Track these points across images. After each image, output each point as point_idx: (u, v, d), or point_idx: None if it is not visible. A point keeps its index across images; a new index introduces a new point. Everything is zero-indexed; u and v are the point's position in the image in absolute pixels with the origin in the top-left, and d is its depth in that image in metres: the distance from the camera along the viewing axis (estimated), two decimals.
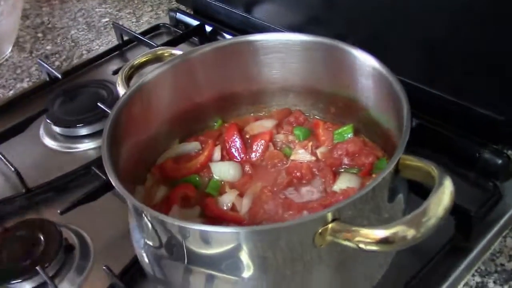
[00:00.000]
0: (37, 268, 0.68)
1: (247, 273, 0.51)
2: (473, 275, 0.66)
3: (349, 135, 0.69)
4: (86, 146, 0.93)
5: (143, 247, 0.59)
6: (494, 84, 0.74)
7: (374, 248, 0.46)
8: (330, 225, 0.47)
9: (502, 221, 0.70)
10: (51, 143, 0.95)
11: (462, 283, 0.65)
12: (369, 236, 0.45)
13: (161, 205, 0.66)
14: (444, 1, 0.72)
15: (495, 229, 0.69)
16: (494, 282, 0.65)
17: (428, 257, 0.65)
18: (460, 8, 0.71)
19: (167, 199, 0.67)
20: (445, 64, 0.78)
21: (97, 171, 0.81)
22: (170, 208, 0.65)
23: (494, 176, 0.73)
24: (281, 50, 0.70)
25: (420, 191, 0.64)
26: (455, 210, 0.64)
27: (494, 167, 0.73)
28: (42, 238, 0.72)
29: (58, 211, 0.75)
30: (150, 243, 0.57)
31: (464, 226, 0.66)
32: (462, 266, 0.65)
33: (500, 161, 0.73)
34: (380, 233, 0.45)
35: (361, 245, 0.46)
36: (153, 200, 0.67)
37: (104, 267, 0.67)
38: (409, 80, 0.80)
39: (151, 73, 0.67)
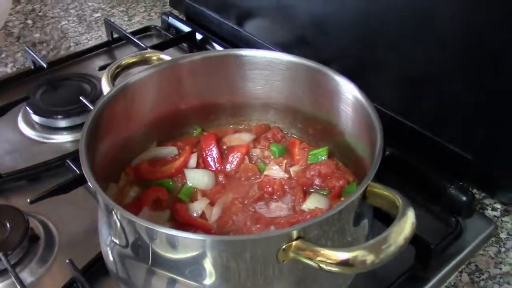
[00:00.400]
0: None
1: (208, 281, 0.52)
2: None
3: (323, 157, 0.71)
4: (63, 138, 0.93)
5: (109, 245, 0.59)
6: (467, 124, 0.77)
7: (334, 269, 0.47)
8: (294, 243, 0.48)
9: (460, 256, 0.72)
10: (29, 131, 0.94)
11: None
12: (331, 257, 0.47)
13: (132, 205, 0.67)
14: (423, 38, 0.75)
15: (453, 263, 0.71)
16: None
17: (386, 284, 0.67)
18: (439, 46, 0.74)
19: (138, 200, 0.67)
20: (422, 99, 0.81)
21: (71, 164, 0.82)
22: (141, 209, 0.65)
23: (457, 212, 0.76)
24: (266, 67, 0.72)
25: (385, 218, 0.66)
26: (416, 240, 0.67)
27: (458, 203, 0.75)
28: (8, 225, 0.72)
29: (28, 200, 0.74)
30: (117, 241, 0.57)
31: (424, 257, 0.68)
32: None
33: (464, 198, 0.75)
34: (342, 255, 0.46)
35: (322, 265, 0.47)
36: (124, 199, 0.68)
37: (67, 261, 0.67)
38: (387, 110, 0.82)
39: (137, 74, 0.68)
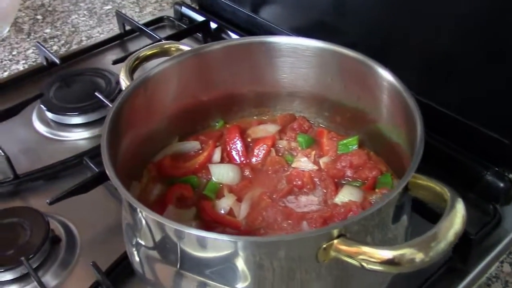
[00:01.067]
0: (21, 258, 0.66)
1: (241, 284, 0.49)
2: None
3: (354, 147, 0.68)
4: (80, 135, 0.91)
5: (134, 246, 0.57)
6: (503, 107, 0.74)
7: (377, 268, 0.44)
8: (335, 241, 0.45)
9: (500, 246, 0.69)
10: (44, 129, 0.92)
11: None
12: (374, 255, 0.44)
13: (156, 203, 0.64)
14: (457, 19, 0.71)
15: (493, 253, 0.68)
16: None
17: (424, 277, 0.64)
18: (473, 27, 0.70)
19: (162, 197, 0.65)
20: (454, 83, 0.77)
21: (90, 162, 0.79)
22: (165, 207, 0.63)
23: (494, 199, 0.72)
24: (291, 54, 0.69)
25: (421, 209, 0.63)
26: None
27: (495, 190, 0.72)
28: (28, 227, 0.70)
29: (47, 201, 0.72)
30: (143, 242, 0.55)
31: (463, 248, 0.65)
32: None
33: (502, 184, 0.72)
34: (386, 253, 0.44)
35: (364, 264, 0.45)
36: (148, 197, 0.65)
37: (91, 263, 0.65)
38: (417, 95, 0.79)
39: (157, 66, 0.66)
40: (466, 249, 0.65)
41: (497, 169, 0.73)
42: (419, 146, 0.50)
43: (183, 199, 0.65)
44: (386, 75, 0.61)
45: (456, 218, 0.44)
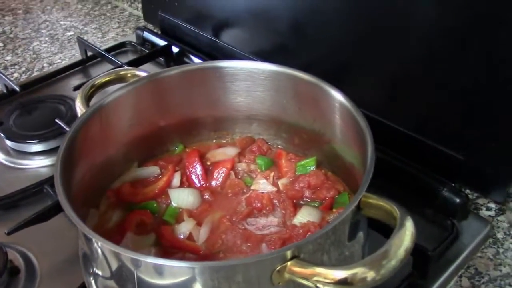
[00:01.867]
0: None
1: None
2: None
3: (311, 168, 0.69)
4: (40, 163, 0.89)
5: (91, 276, 0.56)
6: (456, 124, 0.76)
7: None
8: (289, 263, 0.46)
9: (458, 260, 0.70)
10: (3, 157, 0.90)
11: None
12: (328, 276, 0.44)
13: (115, 231, 0.63)
14: (407, 39, 0.73)
15: (452, 268, 0.69)
16: None
17: None
18: (424, 46, 0.72)
19: (121, 224, 0.64)
20: (408, 101, 0.79)
21: (50, 190, 0.78)
22: (124, 234, 0.62)
23: (452, 214, 0.74)
24: (247, 78, 0.69)
25: (379, 226, 0.64)
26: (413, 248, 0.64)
27: (452, 205, 0.73)
28: None
29: (5, 232, 0.71)
30: (100, 272, 0.54)
31: (422, 264, 0.66)
32: None
33: (458, 200, 0.73)
34: (339, 273, 0.44)
35: (320, 285, 0.45)
36: (107, 225, 0.64)
37: None
38: (373, 115, 0.80)
39: (112, 94, 0.65)
40: (425, 265, 0.66)
41: (453, 184, 0.75)
42: (369, 165, 0.51)
43: (143, 225, 0.64)
44: (337, 96, 0.62)
45: (406, 236, 0.45)
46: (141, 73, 0.71)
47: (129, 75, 0.72)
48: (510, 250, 0.73)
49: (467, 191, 0.79)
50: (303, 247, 0.47)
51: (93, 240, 0.50)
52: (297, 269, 0.45)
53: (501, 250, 0.73)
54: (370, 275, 0.43)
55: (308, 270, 0.45)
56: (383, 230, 0.64)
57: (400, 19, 0.73)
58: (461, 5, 0.67)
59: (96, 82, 0.70)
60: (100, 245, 0.50)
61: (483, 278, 0.70)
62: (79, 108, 0.67)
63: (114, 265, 0.51)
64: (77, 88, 0.98)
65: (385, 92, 0.82)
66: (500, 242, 0.74)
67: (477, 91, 0.70)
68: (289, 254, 0.46)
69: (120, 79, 0.72)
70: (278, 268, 0.46)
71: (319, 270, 0.45)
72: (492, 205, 0.79)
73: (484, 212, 0.78)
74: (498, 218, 0.77)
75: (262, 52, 0.98)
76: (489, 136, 0.73)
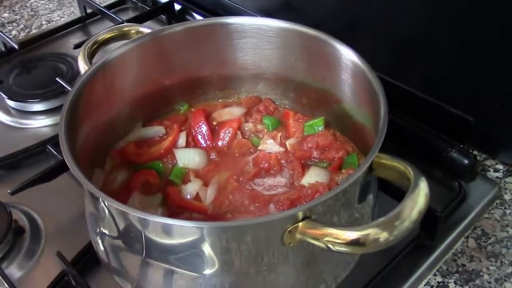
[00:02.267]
0: None
1: (208, 270, 0.49)
2: (435, 275, 0.66)
3: (320, 128, 0.68)
4: (42, 122, 0.88)
5: (99, 235, 0.56)
6: (467, 85, 0.74)
7: (344, 249, 0.44)
8: (300, 224, 0.45)
9: (465, 222, 0.69)
10: (4, 117, 0.89)
11: (424, 282, 0.65)
12: (340, 237, 0.44)
13: (120, 191, 0.63)
14: (421, 3, 0.71)
15: (459, 229, 0.69)
16: (455, 283, 0.65)
17: (393, 254, 0.64)
18: (436, 7, 0.70)
19: (127, 184, 0.64)
20: (418, 61, 0.77)
21: (53, 150, 0.77)
22: (130, 194, 0.62)
23: (460, 175, 0.73)
24: (254, 35, 0.67)
25: (388, 188, 0.63)
26: None
27: (460, 167, 0.73)
28: None
29: (9, 191, 0.70)
30: (107, 231, 0.53)
31: (429, 225, 0.66)
32: (425, 265, 0.65)
33: (466, 161, 0.72)
34: (352, 234, 0.43)
35: (330, 245, 0.45)
36: (112, 185, 0.64)
37: (55, 253, 0.63)
38: (382, 75, 0.78)
39: (116, 50, 0.64)
40: (433, 226, 0.66)
41: (462, 146, 0.74)
42: (382, 125, 0.50)
43: (149, 186, 0.64)
44: (349, 54, 0.60)
45: (419, 197, 0.44)
46: (144, 29, 0.69)
47: (132, 31, 0.70)
48: None
49: (475, 152, 0.78)
50: (315, 207, 0.46)
51: (100, 199, 0.49)
52: (309, 229, 0.45)
53: (508, 212, 0.73)
54: (383, 236, 0.43)
55: (320, 231, 0.44)
56: (393, 192, 0.64)
57: None
58: None
59: (99, 39, 0.68)
60: (108, 204, 0.49)
61: (489, 239, 0.69)
62: (82, 66, 0.65)
63: (122, 225, 0.50)
64: (77, 46, 0.96)
65: (394, 53, 0.80)
66: (507, 203, 0.74)
67: (486, 53, 0.68)
68: (300, 214, 0.45)
69: (123, 35, 0.70)
70: (289, 228, 0.45)
71: (331, 230, 0.44)
72: (500, 166, 0.78)
73: (491, 174, 0.77)
74: (506, 179, 0.77)
75: (267, 9, 0.96)
76: (498, 98, 0.72)
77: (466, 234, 0.70)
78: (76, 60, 0.93)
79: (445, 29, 0.72)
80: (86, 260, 0.64)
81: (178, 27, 0.67)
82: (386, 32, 0.79)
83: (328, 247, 0.45)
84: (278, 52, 0.68)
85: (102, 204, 0.50)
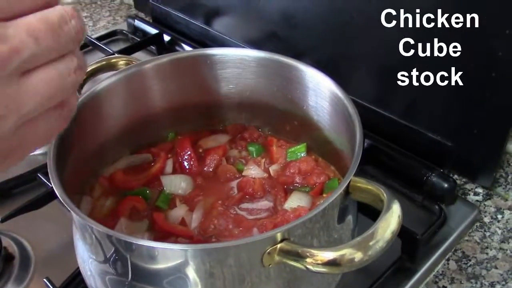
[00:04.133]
0: None
1: None
2: None
3: (302, 154, 0.70)
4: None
5: (86, 261, 0.57)
6: (445, 111, 0.77)
7: (321, 269, 0.46)
8: (279, 245, 0.47)
9: (446, 244, 0.71)
10: None
11: None
12: (317, 257, 0.45)
13: (108, 217, 0.64)
14: (399, 28, 0.74)
15: (440, 251, 0.71)
16: None
17: (375, 277, 0.66)
18: (414, 35, 0.73)
19: (115, 211, 0.65)
20: (397, 88, 0.80)
21: (43, 178, 0.79)
22: (118, 221, 0.63)
23: (440, 199, 0.75)
24: (238, 65, 0.70)
25: (369, 211, 0.65)
26: (401, 231, 0.64)
27: (440, 190, 0.75)
28: None
29: None
30: (94, 257, 0.55)
31: (410, 247, 0.68)
32: (407, 287, 0.66)
33: (446, 185, 0.75)
34: (328, 255, 0.45)
35: (309, 266, 0.46)
36: (100, 211, 0.65)
37: (44, 279, 0.64)
38: (363, 102, 0.81)
39: (103, 81, 0.66)
40: (414, 249, 0.67)
41: (441, 170, 0.76)
42: (357, 151, 0.52)
43: (136, 212, 0.65)
44: (326, 82, 0.62)
45: (392, 218, 0.46)
46: (132, 59, 0.72)
47: (120, 62, 0.72)
48: (497, 234, 0.74)
49: (455, 176, 0.80)
50: (293, 230, 0.48)
51: (87, 225, 0.50)
52: (286, 251, 0.46)
53: (487, 234, 0.75)
54: (358, 256, 0.44)
55: (297, 252, 0.46)
56: (374, 215, 0.66)
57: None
58: None
59: (88, 70, 0.70)
60: (94, 229, 0.50)
61: (470, 261, 0.71)
62: None
63: (108, 250, 0.52)
64: None
65: (374, 80, 0.83)
66: (487, 226, 0.76)
67: (464, 77, 0.71)
68: (279, 236, 0.47)
69: (111, 66, 0.72)
70: (268, 250, 0.47)
71: (308, 251, 0.46)
72: (479, 190, 0.80)
73: (471, 197, 0.80)
74: (485, 202, 0.79)
75: (253, 40, 0.99)
76: (477, 122, 0.74)
77: (447, 257, 0.72)
78: None
79: (424, 57, 0.74)
80: (75, 286, 0.65)
81: (164, 58, 0.69)
82: (368, 61, 0.82)
83: (307, 267, 0.46)
84: (260, 82, 0.70)
85: (89, 229, 0.52)
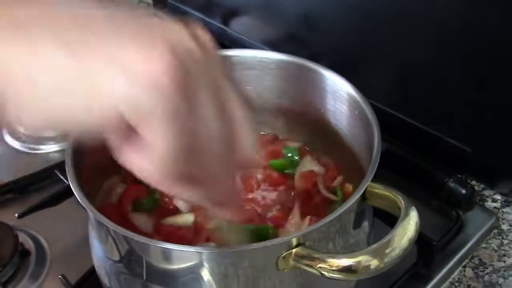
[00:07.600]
0: None
1: None
2: None
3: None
4: (52, 148, 0.90)
5: (101, 259, 0.57)
6: (465, 117, 0.76)
7: (337, 276, 0.45)
8: (294, 250, 0.46)
9: (463, 251, 0.70)
10: (15, 143, 0.91)
11: None
12: (332, 264, 0.45)
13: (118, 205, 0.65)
14: (420, 32, 0.73)
15: (456, 258, 0.70)
16: None
17: (390, 282, 0.65)
18: (436, 40, 0.72)
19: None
20: (417, 93, 0.79)
21: (60, 175, 0.79)
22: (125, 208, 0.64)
23: (457, 205, 0.74)
24: (256, 67, 0.69)
25: (384, 216, 0.65)
26: (417, 237, 0.65)
27: (458, 196, 0.74)
28: None
29: (16, 215, 0.72)
30: (109, 256, 0.55)
31: (426, 253, 0.67)
32: None
33: (464, 191, 0.74)
34: (344, 261, 0.45)
35: (324, 272, 0.46)
36: (111, 197, 0.66)
37: (60, 276, 0.65)
38: (382, 106, 0.80)
39: None
40: (430, 255, 0.67)
41: (460, 176, 0.75)
42: (375, 157, 0.52)
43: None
44: (344, 86, 0.62)
45: (409, 225, 0.46)
46: None
47: None
48: None
49: (473, 182, 0.79)
50: (308, 234, 0.48)
51: (103, 224, 0.51)
52: (302, 256, 0.46)
53: (505, 242, 0.73)
54: (374, 263, 0.44)
55: (312, 257, 0.46)
56: (390, 220, 0.65)
57: (413, 10, 0.73)
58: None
59: None
60: (110, 229, 0.51)
61: (486, 269, 0.70)
62: None
63: (124, 249, 0.52)
64: None
65: (395, 83, 0.82)
66: (505, 233, 0.74)
67: (484, 83, 0.70)
68: (294, 241, 0.46)
69: None
70: (283, 254, 0.47)
71: (323, 257, 0.45)
72: (498, 196, 0.79)
73: (489, 204, 0.78)
74: (504, 209, 0.78)
75: (271, 41, 0.98)
76: (497, 128, 0.73)
77: (464, 264, 0.71)
78: None
79: (445, 62, 0.74)
80: (90, 284, 0.66)
81: None
82: (386, 64, 0.81)
83: (322, 273, 0.46)
84: (279, 84, 0.70)
85: (105, 228, 0.52)
